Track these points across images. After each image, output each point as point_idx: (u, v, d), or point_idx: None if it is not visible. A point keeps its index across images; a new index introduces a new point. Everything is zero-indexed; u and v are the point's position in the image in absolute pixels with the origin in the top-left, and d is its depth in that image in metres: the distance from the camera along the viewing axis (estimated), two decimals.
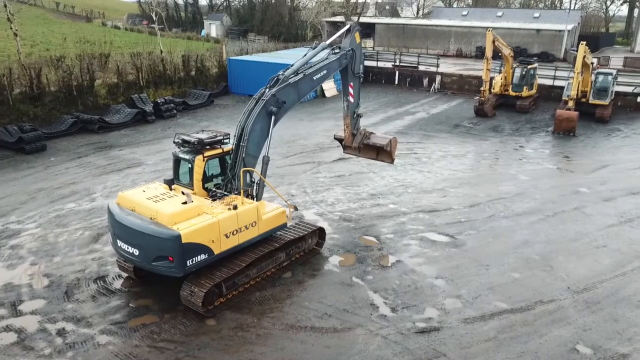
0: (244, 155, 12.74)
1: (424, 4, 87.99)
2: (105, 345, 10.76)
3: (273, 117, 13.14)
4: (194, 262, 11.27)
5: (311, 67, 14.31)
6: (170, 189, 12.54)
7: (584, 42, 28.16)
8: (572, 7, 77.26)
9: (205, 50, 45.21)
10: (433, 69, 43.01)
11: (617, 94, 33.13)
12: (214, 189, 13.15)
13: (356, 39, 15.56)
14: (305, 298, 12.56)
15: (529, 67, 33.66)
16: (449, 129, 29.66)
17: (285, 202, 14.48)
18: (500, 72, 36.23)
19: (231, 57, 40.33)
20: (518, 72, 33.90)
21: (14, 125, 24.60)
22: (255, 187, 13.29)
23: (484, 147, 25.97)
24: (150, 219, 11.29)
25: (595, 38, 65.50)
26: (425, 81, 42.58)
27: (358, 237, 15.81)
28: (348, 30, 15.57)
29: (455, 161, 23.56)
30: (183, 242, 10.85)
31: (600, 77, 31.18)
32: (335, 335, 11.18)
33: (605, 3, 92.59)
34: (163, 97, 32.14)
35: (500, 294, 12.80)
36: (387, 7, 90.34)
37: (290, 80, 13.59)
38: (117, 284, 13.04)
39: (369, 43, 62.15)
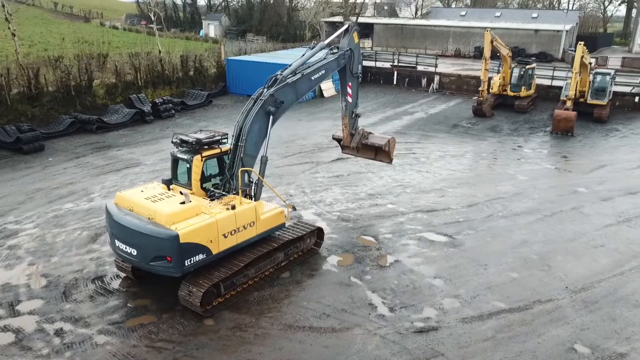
0: (242, 155, 12.74)
1: (422, 4, 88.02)
2: (103, 345, 10.75)
3: (271, 117, 13.14)
4: (192, 262, 11.27)
5: (309, 67, 14.31)
6: (169, 189, 12.53)
7: (582, 42, 28.19)
8: (570, 8, 77.48)
9: (204, 50, 45.18)
10: (431, 69, 43.02)
11: (615, 94, 33.20)
12: (212, 188, 13.14)
13: (354, 39, 15.56)
14: (303, 298, 12.56)
15: (527, 67, 33.71)
16: (447, 129, 29.68)
17: (284, 202, 14.48)
18: (498, 72, 36.27)
19: (229, 57, 40.32)
20: (516, 72, 33.94)
21: (11, 126, 24.58)
22: (253, 187, 13.28)
23: (482, 147, 25.99)
24: (149, 219, 11.28)
25: (594, 38, 65.61)
26: (424, 81, 42.60)
27: (356, 237, 15.81)
28: (346, 30, 15.57)
29: (453, 161, 23.57)
30: (181, 242, 10.85)
31: (598, 77, 31.24)
32: (333, 335, 11.18)
33: (604, 3, 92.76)
34: (161, 97, 32.11)
35: (499, 294, 12.81)
36: (386, 8, 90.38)
37: (288, 80, 13.59)
38: (115, 284, 13.03)
39: (367, 43, 62.18)
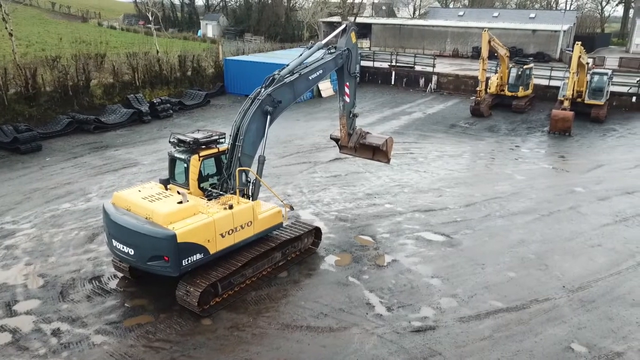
0: (239, 155, 12.73)
1: (420, 5, 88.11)
2: (100, 345, 10.73)
3: (269, 117, 13.14)
4: (189, 261, 11.26)
5: (307, 66, 14.31)
6: (166, 189, 12.52)
7: (580, 43, 28.27)
8: (567, 8, 77.63)
9: (202, 50, 45.16)
10: (429, 69, 43.10)
11: (613, 94, 33.26)
12: (209, 188, 13.13)
13: (352, 39, 15.57)
14: (301, 297, 12.56)
15: (525, 67, 33.79)
16: (445, 129, 29.72)
17: (281, 201, 14.48)
18: (496, 72, 36.35)
19: (227, 57, 40.31)
20: (514, 72, 34.02)
21: (9, 126, 24.52)
22: (250, 187, 13.28)
23: (480, 147, 26.03)
24: (146, 218, 11.27)
25: (591, 38, 65.78)
26: (422, 81, 42.65)
27: (354, 237, 15.81)
28: (344, 30, 15.57)
29: (451, 161, 23.60)
30: (178, 241, 10.84)
31: (596, 77, 31.32)
32: (331, 335, 11.18)
33: (601, 4, 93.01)
34: (159, 97, 32.07)
35: (496, 293, 12.83)
36: (384, 8, 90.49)
37: (286, 79, 13.58)
38: (113, 284, 13.01)
39: (365, 43, 62.25)
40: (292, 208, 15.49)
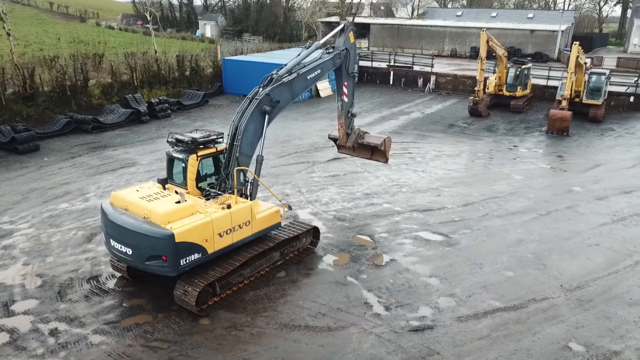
0: (237, 155, 12.73)
1: (418, 5, 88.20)
2: (98, 345, 10.72)
3: (267, 117, 13.13)
4: (187, 261, 11.25)
5: (305, 66, 14.31)
6: (164, 189, 12.51)
7: (578, 43, 28.33)
8: (565, 8, 77.72)
9: (200, 50, 45.16)
10: (428, 69, 43.12)
11: (610, 93, 33.35)
12: (207, 188, 13.13)
13: (350, 39, 15.57)
14: (299, 297, 12.56)
15: (523, 67, 33.81)
16: (443, 128, 29.74)
17: (280, 201, 14.48)
18: (494, 72, 36.37)
19: (226, 57, 40.27)
20: (512, 72, 34.05)
21: (6, 125, 24.45)
22: (249, 187, 13.28)
23: (478, 147, 26.05)
24: (144, 218, 11.26)
25: (589, 38, 65.86)
26: (420, 81, 42.68)
27: (352, 237, 15.82)
28: (342, 30, 15.58)
29: (449, 161, 23.62)
30: (176, 241, 10.83)
31: (594, 77, 31.36)
32: (329, 334, 11.18)
33: (599, 4, 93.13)
34: (157, 97, 32.03)
35: (494, 293, 12.85)
36: (382, 8, 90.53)
37: (284, 79, 13.58)
38: (111, 284, 12.99)
39: (363, 43, 62.24)
40: (290, 208, 15.46)
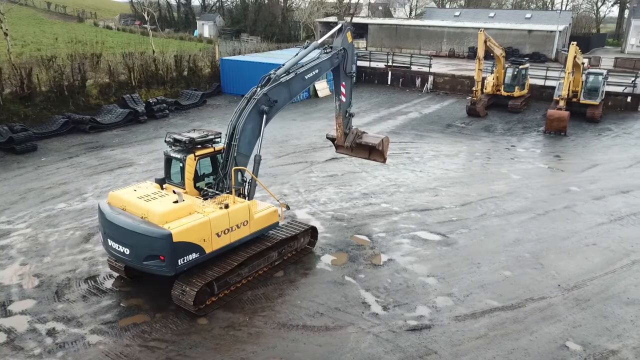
0: (235, 154, 12.72)
1: (416, 5, 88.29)
2: (96, 344, 10.70)
3: (264, 116, 13.12)
4: (185, 261, 11.24)
5: (303, 66, 14.30)
6: (162, 188, 12.50)
7: (575, 43, 28.36)
8: (563, 8, 77.89)
9: (198, 50, 45.18)
10: (425, 69, 43.17)
11: (608, 94, 33.45)
12: (205, 188, 13.12)
13: (348, 39, 15.58)
14: (297, 297, 12.56)
15: (521, 67, 33.88)
16: (441, 128, 29.78)
17: (277, 201, 14.47)
18: (492, 72, 36.43)
19: (224, 57, 40.25)
20: (510, 72, 34.11)
21: (4, 125, 24.40)
22: (246, 186, 13.27)
23: (476, 147, 26.09)
24: (142, 218, 11.25)
25: (586, 39, 66.01)
26: (418, 81, 42.71)
27: (350, 236, 15.83)
28: (340, 30, 15.59)
29: (447, 161, 23.65)
30: (174, 241, 10.82)
31: (591, 77, 31.45)
32: (327, 334, 11.19)
33: (596, 4, 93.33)
34: (155, 97, 31.99)
35: (491, 292, 12.87)
36: (380, 8, 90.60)
37: (281, 79, 13.57)
38: (108, 284, 12.98)
39: (361, 43, 62.25)
40: (288, 207, 15.49)
